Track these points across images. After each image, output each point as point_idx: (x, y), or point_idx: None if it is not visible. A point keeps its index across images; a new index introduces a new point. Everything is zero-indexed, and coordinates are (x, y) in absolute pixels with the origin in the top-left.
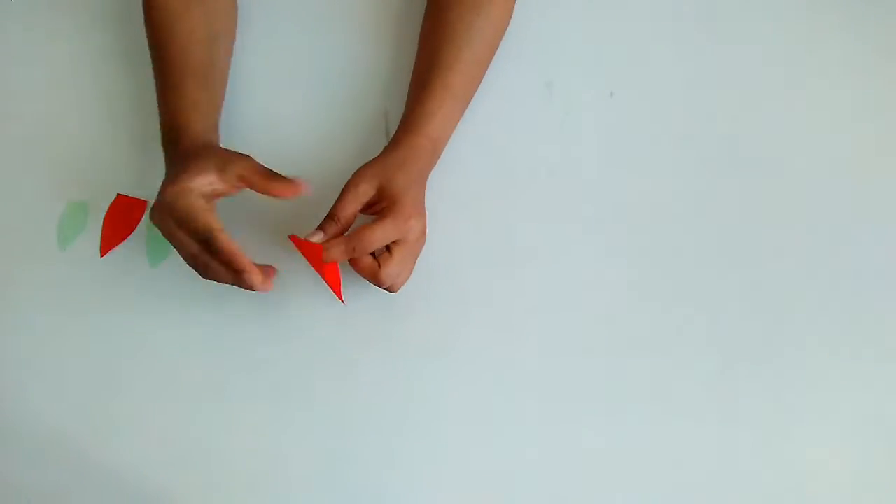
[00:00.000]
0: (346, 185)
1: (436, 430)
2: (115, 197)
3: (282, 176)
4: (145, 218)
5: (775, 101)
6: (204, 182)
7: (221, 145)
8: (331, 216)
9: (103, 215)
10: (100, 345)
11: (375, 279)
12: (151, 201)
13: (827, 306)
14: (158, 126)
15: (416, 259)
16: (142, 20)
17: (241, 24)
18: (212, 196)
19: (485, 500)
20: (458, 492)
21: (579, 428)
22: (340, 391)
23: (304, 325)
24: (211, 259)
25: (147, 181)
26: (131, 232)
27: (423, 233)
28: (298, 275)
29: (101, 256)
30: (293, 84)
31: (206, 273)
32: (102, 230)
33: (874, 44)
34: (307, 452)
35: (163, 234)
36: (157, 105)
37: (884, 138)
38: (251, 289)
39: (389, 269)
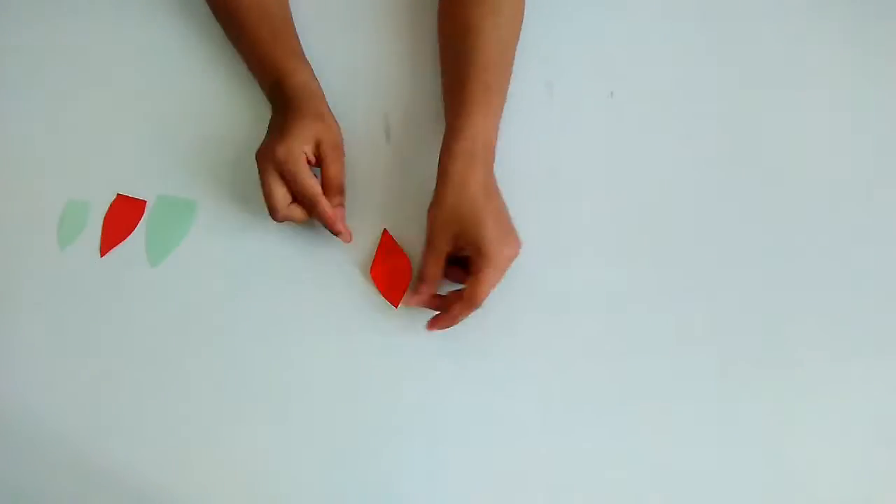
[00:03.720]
0: (428, 233)
1: (436, 430)
2: (115, 197)
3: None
4: (145, 218)
5: (775, 101)
6: (308, 147)
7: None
8: (420, 278)
9: (103, 215)
10: (100, 345)
11: (470, 306)
12: (152, 201)
13: (827, 306)
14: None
15: (504, 272)
16: (143, 20)
17: None
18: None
19: (485, 499)
20: (459, 492)
21: (579, 428)
22: (341, 391)
23: (304, 325)
24: (295, 208)
25: (147, 181)
26: (131, 232)
27: (516, 253)
28: (298, 274)
29: (101, 256)
30: None
31: (283, 216)
32: (102, 230)
33: (874, 44)
34: (307, 452)
35: (261, 175)
36: (244, 72)
37: (884, 138)
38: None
39: (479, 294)
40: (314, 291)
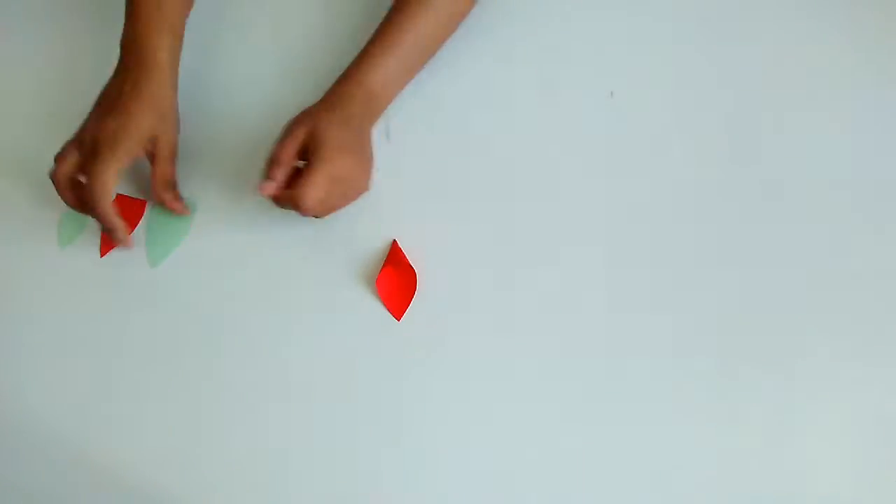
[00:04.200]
0: (282, 131)
1: (436, 430)
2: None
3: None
4: (145, 218)
5: (775, 100)
6: (124, 164)
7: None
8: (275, 160)
9: None
10: (100, 345)
11: (294, 202)
12: (151, 201)
13: (827, 306)
14: None
15: (342, 196)
16: None
17: (238, 22)
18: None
19: (484, 499)
20: (459, 492)
21: (579, 428)
22: (341, 391)
23: (304, 325)
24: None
25: (147, 181)
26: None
27: (356, 176)
28: (297, 275)
29: (101, 256)
30: (293, 83)
31: (62, 184)
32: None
33: (875, 44)
34: (307, 452)
35: (58, 173)
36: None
37: (884, 139)
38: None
39: (303, 196)
40: (314, 292)
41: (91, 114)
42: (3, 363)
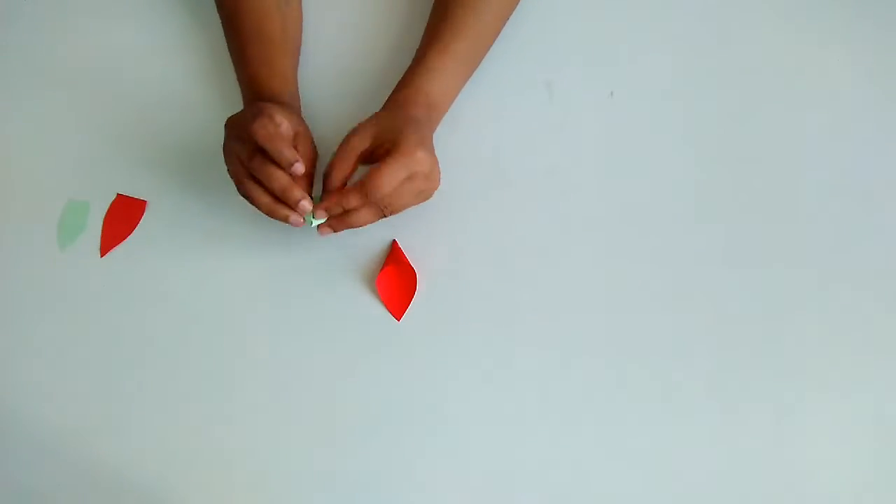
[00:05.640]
0: (339, 146)
1: (436, 430)
2: (115, 197)
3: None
4: (145, 218)
5: (775, 101)
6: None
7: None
8: (326, 179)
9: (103, 215)
10: (100, 345)
11: (364, 189)
12: (152, 201)
13: (827, 306)
14: (166, 118)
15: (419, 194)
16: (145, 22)
17: None
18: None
19: (485, 499)
20: (459, 492)
21: (579, 428)
22: (341, 391)
23: (304, 325)
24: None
25: (147, 181)
26: (131, 232)
27: (434, 173)
28: (297, 275)
29: (101, 256)
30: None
31: (249, 190)
32: (102, 230)
33: (875, 43)
34: (307, 452)
35: (231, 143)
36: (230, 79)
37: (884, 139)
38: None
39: (378, 181)
40: (314, 291)
41: (230, 135)
42: (3, 363)
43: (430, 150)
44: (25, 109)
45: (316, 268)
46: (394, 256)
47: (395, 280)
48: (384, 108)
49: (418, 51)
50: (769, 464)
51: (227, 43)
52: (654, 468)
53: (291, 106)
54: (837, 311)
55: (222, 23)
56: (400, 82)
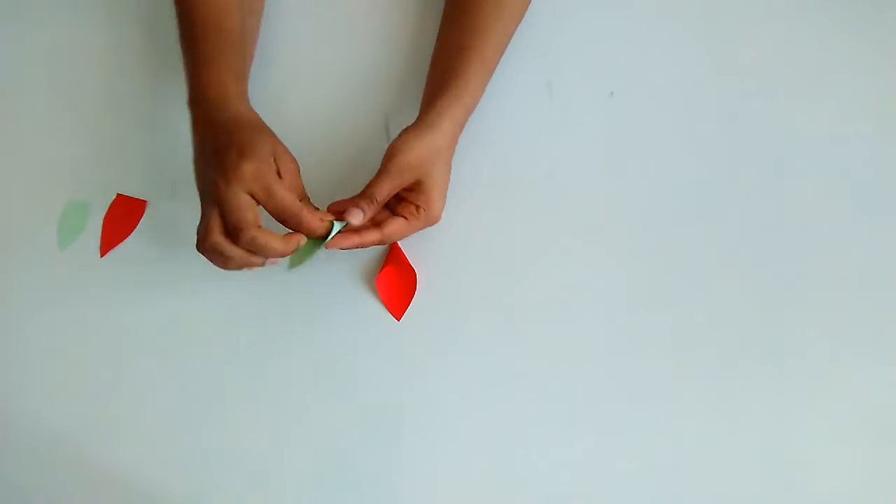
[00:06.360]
0: (388, 164)
1: (436, 430)
2: (115, 197)
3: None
4: (145, 218)
5: (775, 101)
6: (272, 163)
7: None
8: (368, 197)
9: (103, 215)
10: (100, 345)
11: (427, 219)
12: (151, 201)
13: (828, 306)
14: (166, 118)
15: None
16: (140, 19)
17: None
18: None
19: (484, 500)
20: (459, 491)
21: (579, 427)
22: (341, 391)
23: (304, 326)
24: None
25: (147, 181)
26: (131, 232)
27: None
28: (298, 275)
29: (101, 256)
30: (293, 86)
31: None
32: (102, 230)
33: (875, 43)
34: (307, 452)
35: (223, 197)
36: (181, 84)
37: (884, 139)
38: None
39: (396, 234)
40: (314, 293)
41: (202, 177)
42: (3, 363)
43: (445, 191)
44: (25, 109)
45: (316, 268)
46: (394, 256)
47: (395, 280)
48: (433, 129)
49: (448, 60)
50: (769, 464)
51: (180, 37)
52: (654, 468)
53: (263, 129)
54: (838, 311)
55: (181, 23)
56: (438, 90)
